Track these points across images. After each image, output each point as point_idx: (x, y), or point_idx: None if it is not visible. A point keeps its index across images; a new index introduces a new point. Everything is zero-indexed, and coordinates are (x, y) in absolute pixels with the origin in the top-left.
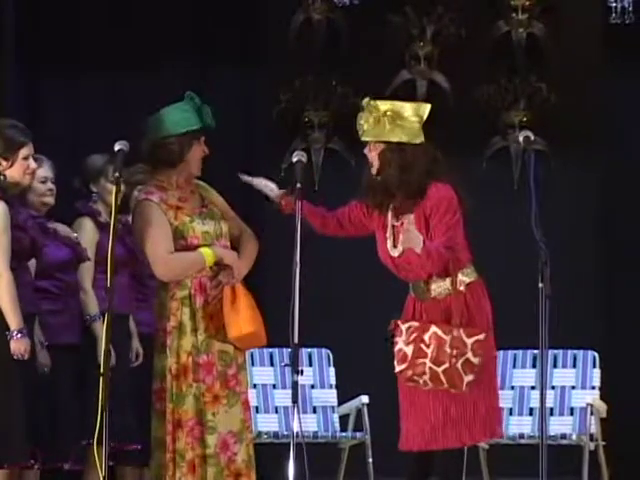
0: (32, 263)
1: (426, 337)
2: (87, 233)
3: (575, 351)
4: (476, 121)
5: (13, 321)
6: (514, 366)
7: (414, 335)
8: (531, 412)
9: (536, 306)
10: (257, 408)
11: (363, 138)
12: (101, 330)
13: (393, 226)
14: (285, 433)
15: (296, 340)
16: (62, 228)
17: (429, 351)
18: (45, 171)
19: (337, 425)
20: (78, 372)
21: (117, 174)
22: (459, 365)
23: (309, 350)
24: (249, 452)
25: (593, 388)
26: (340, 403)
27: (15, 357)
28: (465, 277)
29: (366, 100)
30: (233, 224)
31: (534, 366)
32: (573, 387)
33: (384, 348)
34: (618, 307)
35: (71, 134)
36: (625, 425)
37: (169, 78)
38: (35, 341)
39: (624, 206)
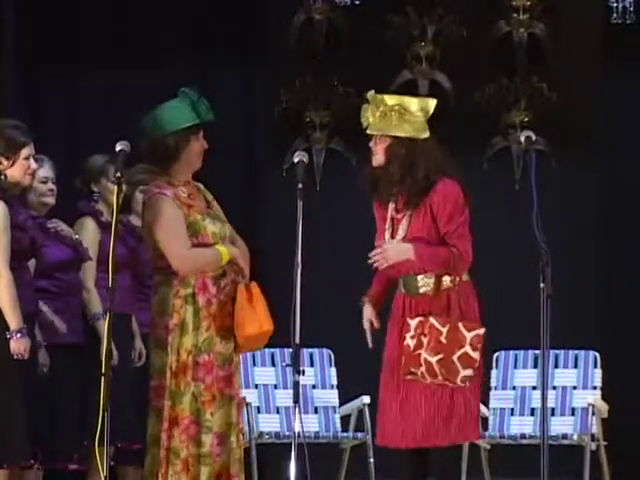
0: (31, 263)
1: (426, 330)
2: (89, 233)
3: (576, 351)
4: (477, 121)
5: (13, 321)
6: (515, 366)
7: (418, 330)
8: (532, 412)
9: (537, 306)
10: (258, 408)
11: (369, 131)
12: (104, 329)
13: (392, 218)
14: (286, 433)
15: (297, 340)
16: (63, 227)
17: (425, 341)
18: (46, 171)
19: (338, 425)
20: (80, 372)
21: (118, 174)
22: (455, 358)
23: (310, 350)
24: (236, 455)
25: (594, 388)
26: (341, 403)
27: (15, 357)
28: (453, 277)
29: (372, 94)
30: (230, 228)
31: (535, 366)
32: (574, 387)
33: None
34: (619, 307)
35: (71, 134)
36: (626, 425)
37: (169, 78)
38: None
39: (624, 206)
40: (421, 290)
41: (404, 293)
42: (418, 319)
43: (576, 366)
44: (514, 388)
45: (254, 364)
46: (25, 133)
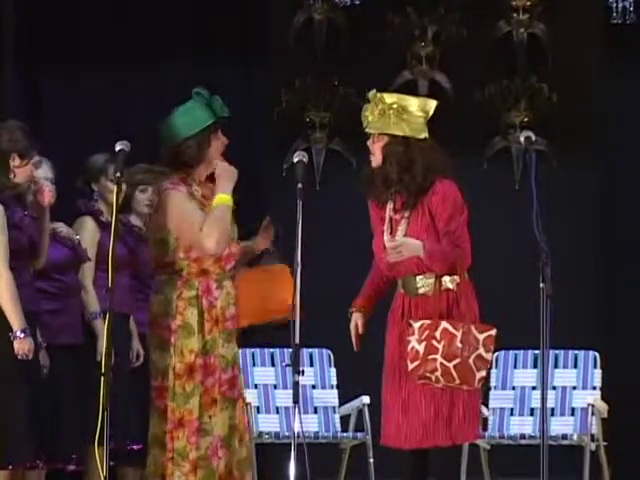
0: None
1: (437, 334)
2: (88, 232)
3: (576, 351)
4: (477, 121)
5: (15, 321)
6: (515, 366)
7: (426, 333)
8: (532, 412)
9: (537, 306)
10: (258, 408)
11: (367, 130)
12: (101, 328)
13: (391, 219)
14: (286, 433)
15: (297, 340)
16: (64, 229)
17: (440, 347)
18: (44, 171)
19: (338, 425)
20: (79, 372)
21: (118, 174)
22: (471, 361)
23: (310, 350)
24: (241, 455)
25: (594, 388)
26: (341, 403)
27: (19, 357)
28: (452, 278)
29: (372, 92)
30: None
31: (535, 366)
32: (574, 387)
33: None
34: (619, 307)
35: (71, 134)
36: (626, 425)
37: (169, 78)
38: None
39: (624, 206)
40: (420, 291)
41: (403, 293)
42: (422, 322)
43: (576, 366)
44: (514, 388)
45: (254, 364)
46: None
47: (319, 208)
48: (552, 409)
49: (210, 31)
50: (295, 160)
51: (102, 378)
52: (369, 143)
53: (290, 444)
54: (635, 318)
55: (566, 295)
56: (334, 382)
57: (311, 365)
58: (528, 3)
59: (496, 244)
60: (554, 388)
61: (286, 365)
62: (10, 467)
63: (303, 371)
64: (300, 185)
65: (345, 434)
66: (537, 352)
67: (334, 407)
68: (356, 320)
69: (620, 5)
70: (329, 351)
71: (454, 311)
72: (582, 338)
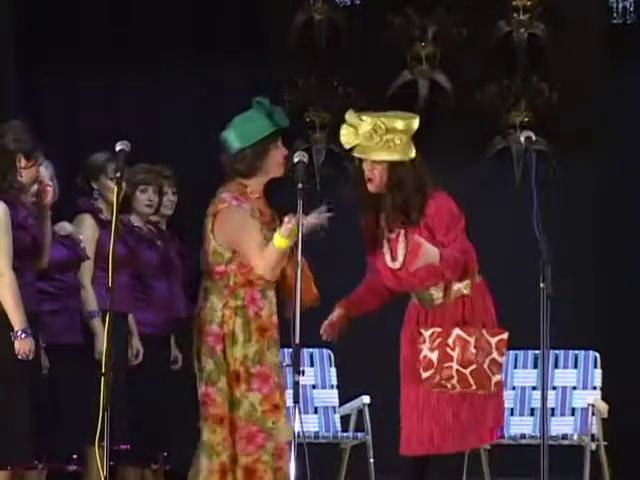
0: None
1: (450, 341)
2: (87, 230)
3: (576, 351)
4: (477, 121)
5: (17, 321)
6: (515, 366)
7: (438, 340)
8: (532, 412)
9: (537, 306)
10: None
11: (355, 153)
12: (99, 327)
13: (389, 239)
14: None
15: (297, 340)
16: (69, 227)
17: (455, 354)
18: (47, 170)
19: (338, 425)
20: (79, 372)
21: (118, 174)
22: (486, 365)
23: (310, 350)
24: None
25: (594, 388)
26: (341, 403)
27: (20, 357)
28: (465, 283)
29: (352, 114)
30: None
31: (535, 366)
32: (574, 387)
33: (383, 345)
34: (619, 307)
35: (71, 134)
36: (626, 425)
37: (169, 78)
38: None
39: (624, 206)
40: (437, 302)
41: (418, 304)
42: (433, 330)
43: (576, 366)
44: (514, 388)
45: None
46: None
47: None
48: (552, 409)
49: (210, 31)
50: (295, 160)
51: (102, 378)
52: (366, 169)
53: (290, 444)
54: (635, 318)
55: (566, 295)
56: (334, 382)
57: (311, 365)
58: (528, 3)
59: (496, 244)
60: (554, 388)
61: (286, 365)
62: (10, 467)
63: (303, 371)
64: (300, 185)
65: (345, 434)
66: (537, 352)
67: (334, 407)
68: (334, 313)
69: (620, 5)
70: (329, 351)
71: (471, 315)
72: (582, 338)
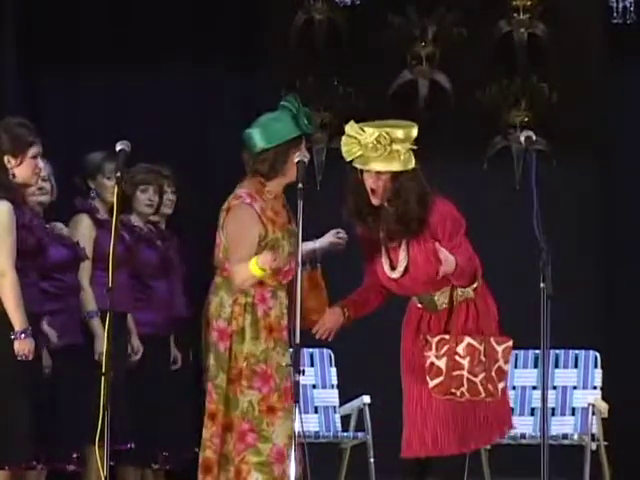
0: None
1: (460, 349)
2: (84, 229)
3: (576, 351)
4: (477, 121)
5: (17, 321)
6: (515, 366)
7: (446, 347)
8: (532, 412)
9: (537, 306)
10: None
11: (357, 165)
12: (98, 327)
13: (388, 249)
14: None
15: (298, 340)
16: (63, 229)
17: (465, 362)
18: (46, 170)
19: (339, 425)
20: (79, 372)
21: (118, 174)
22: (493, 373)
23: (311, 350)
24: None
25: (594, 388)
26: (341, 403)
27: (19, 358)
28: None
29: (352, 125)
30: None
31: (535, 366)
32: (574, 387)
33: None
34: (619, 307)
35: (71, 134)
36: (626, 425)
37: (169, 78)
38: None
39: (624, 206)
40: (441, 307)
41: (420, 308)
42: (440, 337)
43: (576, 366)
44: (514, 388)
45: None
46: (32, 132)
47: (319, 208)
48: (552, 409)
49: (210, 31)
50: (296, 160)
51: (102, 378)
52: (369, 181)
53: (290, 444)
54: (635, 318)
55: (566, 295)
56: (334, 382)
57: (311, 365)
58: (528, 3)
59: (496, 244)
60: (554, 388)
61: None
62: (10, 467)
63: (304, 371)
64: (300, 185)
65: (345, 434)
66: (537, 352)
67: (334, 407)
68: (329, 310)
69: (620, 5)
70: (329, 351)
71: (476, 319)
72: (582, 338)
